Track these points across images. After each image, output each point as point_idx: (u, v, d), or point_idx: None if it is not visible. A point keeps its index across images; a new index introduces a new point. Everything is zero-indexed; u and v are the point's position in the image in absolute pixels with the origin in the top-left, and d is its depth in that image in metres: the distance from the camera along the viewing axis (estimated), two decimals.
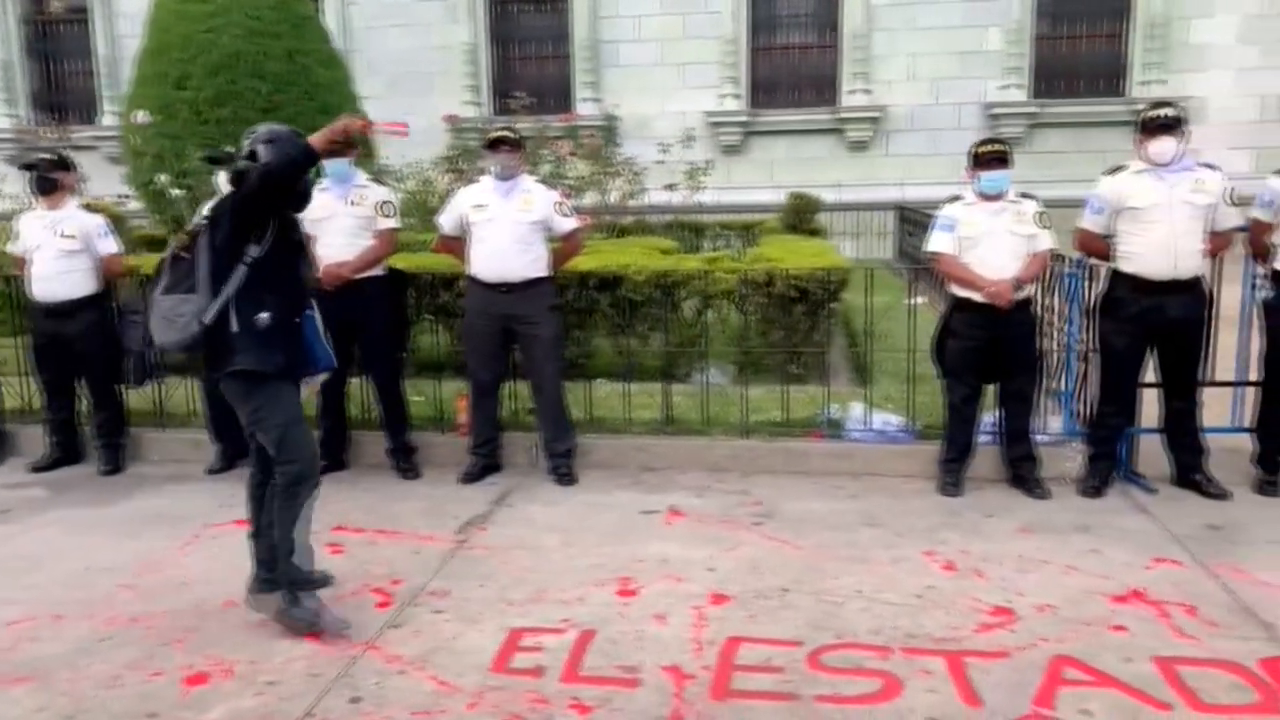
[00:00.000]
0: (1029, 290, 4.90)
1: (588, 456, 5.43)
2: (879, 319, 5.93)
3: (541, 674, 3.24)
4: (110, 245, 5.59)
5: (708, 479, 5.25)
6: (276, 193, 3.38)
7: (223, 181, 5.31)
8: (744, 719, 2.97)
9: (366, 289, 5.21)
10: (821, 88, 14.42)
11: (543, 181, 6.11)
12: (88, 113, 16.08)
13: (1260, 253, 4.92)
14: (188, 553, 4.40)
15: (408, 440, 5.49)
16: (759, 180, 14.09)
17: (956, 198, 4.95)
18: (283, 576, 3.53)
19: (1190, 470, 4.90)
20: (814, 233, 11.09)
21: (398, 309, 5.57)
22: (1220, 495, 4.78)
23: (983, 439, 5.11)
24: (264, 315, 3.39)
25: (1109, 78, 13.85)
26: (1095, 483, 4.91)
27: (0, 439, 5.99)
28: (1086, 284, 5.10)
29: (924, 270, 6.33)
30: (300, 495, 3.51)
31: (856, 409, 5.55)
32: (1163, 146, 4.62)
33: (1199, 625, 3.49)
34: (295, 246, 3.61)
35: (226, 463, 5.52)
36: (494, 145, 5.13)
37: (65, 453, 5.77)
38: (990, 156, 4.77)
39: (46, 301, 5.48)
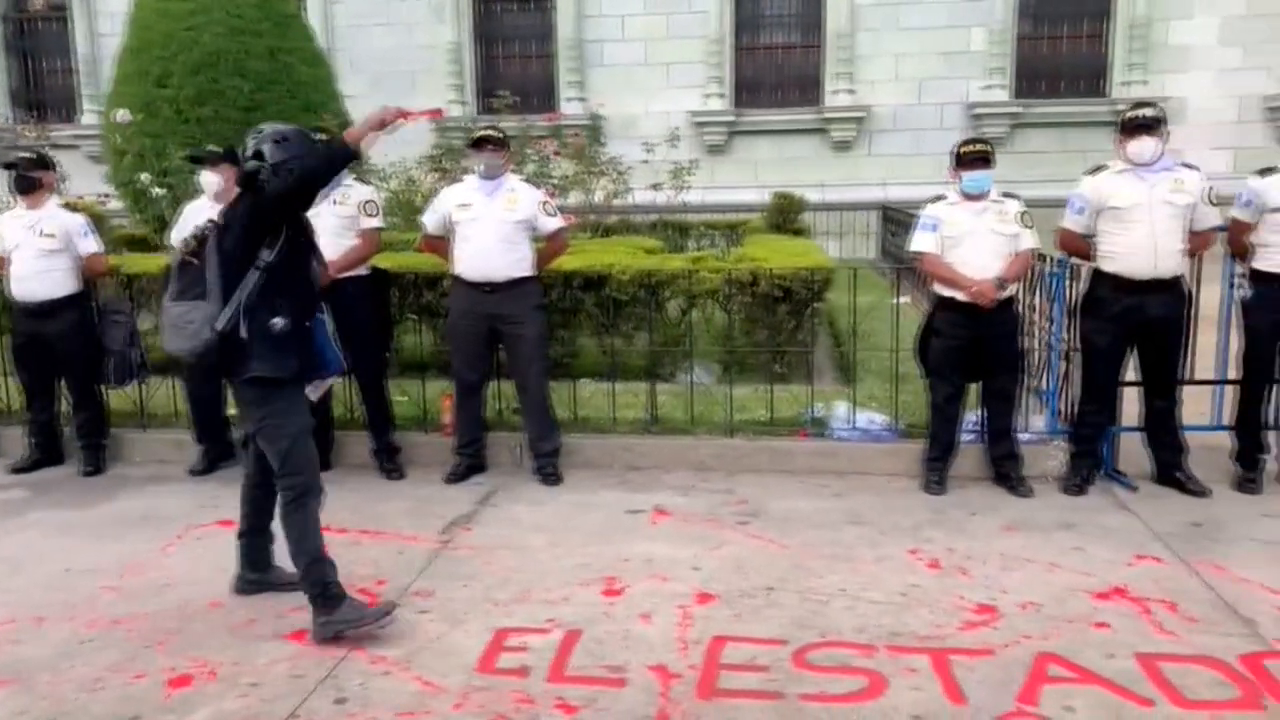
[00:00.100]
0: (1012, 289, 4.93)
1: (573, 456, 5.43)
2: (863, 318, 5.95)
3: (527, 674, 3.23)
4: (91, 245, 5.55)
5: (693, 478, 5.26)
6: (311, 195, 3.31)
7: (207, 181, 5.31)
8: (730, 718, 2.97)
9: (350, 289, 5.17)
10: (805, 88, 14.44)
11: (528, 181, 6.10)
12: (68, 111, 15.91)
13: (1239, 252, 4.98)
14: (170, 554, 4.38)
15: (392, 440, 5.48)
16: (743, 180, 14.09)
17: (940, 197, 4.98)
18: (312, 588, 3.46)
19: (1171, 468, 4.95)
20: (798, 232, 11.10)
21: (382, 309, 5.55)
22: (1201, 492, 4.82)
23: (966, 437, 5.14)
24: (279, 320, 3.33)
25: (1090, 78, 13.92)
26: (1078, 481, 4.94)
27: None
28: (1069, 283, 5.14)
29: (908, 270, 6.36)
30: (308, 506, 3.50)
31: (841, 408, 5.57)
32: (1142, 146, 4.66)
33: (1180, 622, 3.52)
34: (306, 248, 3.52)
35: (209, 464, 5.50)
36: (479, 144, 5.12)
37: (46, 454, 5.72)
38: (973, 156, 4.79)
39: (26, 301, 5.44)
